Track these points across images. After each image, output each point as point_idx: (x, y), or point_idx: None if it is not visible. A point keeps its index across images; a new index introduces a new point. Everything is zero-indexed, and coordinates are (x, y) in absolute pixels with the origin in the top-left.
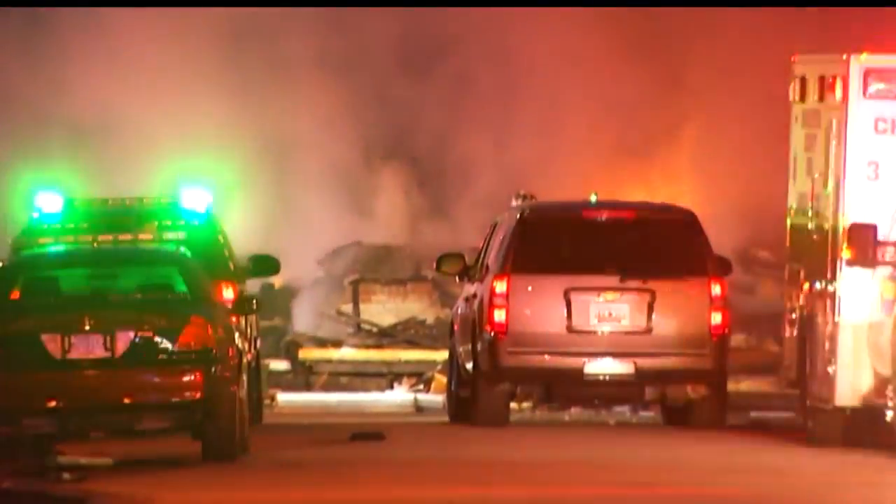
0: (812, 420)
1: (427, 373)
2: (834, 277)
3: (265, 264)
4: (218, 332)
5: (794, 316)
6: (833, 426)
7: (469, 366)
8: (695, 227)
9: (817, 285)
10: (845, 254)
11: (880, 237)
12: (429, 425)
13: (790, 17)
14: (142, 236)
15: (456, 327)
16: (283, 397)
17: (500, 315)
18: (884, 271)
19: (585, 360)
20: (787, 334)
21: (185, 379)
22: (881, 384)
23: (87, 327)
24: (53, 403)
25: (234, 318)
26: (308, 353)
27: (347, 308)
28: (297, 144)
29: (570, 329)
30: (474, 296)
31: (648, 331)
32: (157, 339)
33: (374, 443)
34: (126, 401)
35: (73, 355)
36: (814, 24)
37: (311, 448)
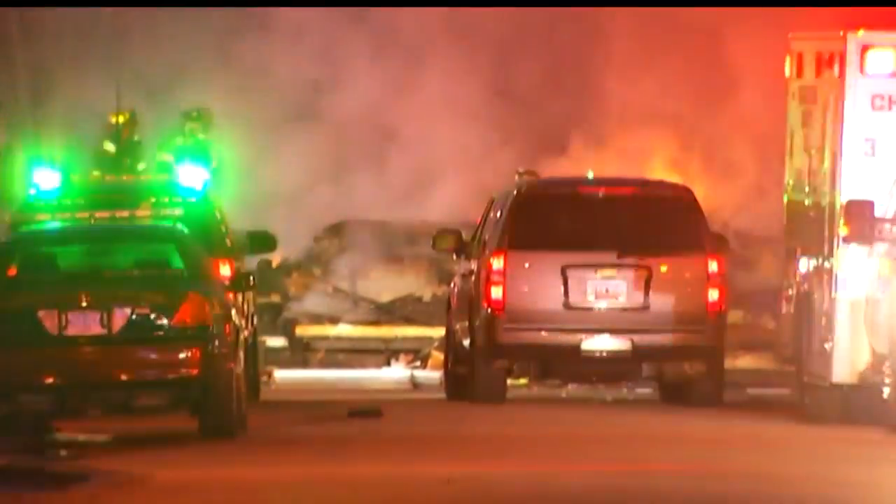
0: (809, 397)
1: (424, 349)
2: (831, 254)
3: (262, 241)
4: (215, 309)
5: (791, 293)
6: (830, 403)
7: (466, 342)
8: (692, 204)
9: (814, 262)
10: (842, 230)
11: (877, 213)
12: (426, 402)
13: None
14: (139, 213)
15: (453, 304)
16: (281, 374)
17: (497, 292)
18: (881, 248)
19: (582, 336)
20: (784, 311)
21: (183, 356)
22: (878, 361)
23: (84, 304)
24: (50, 380)
25: (231, 295)
26: (305, 330)
27: (344, 285)
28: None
29: (567, 306)
30: (471, 272)
31: (645, 307)
32: (154, 315)
33: (372, 419)
34: (123, 377)
35: (70, 332)
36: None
37: (309, 425)
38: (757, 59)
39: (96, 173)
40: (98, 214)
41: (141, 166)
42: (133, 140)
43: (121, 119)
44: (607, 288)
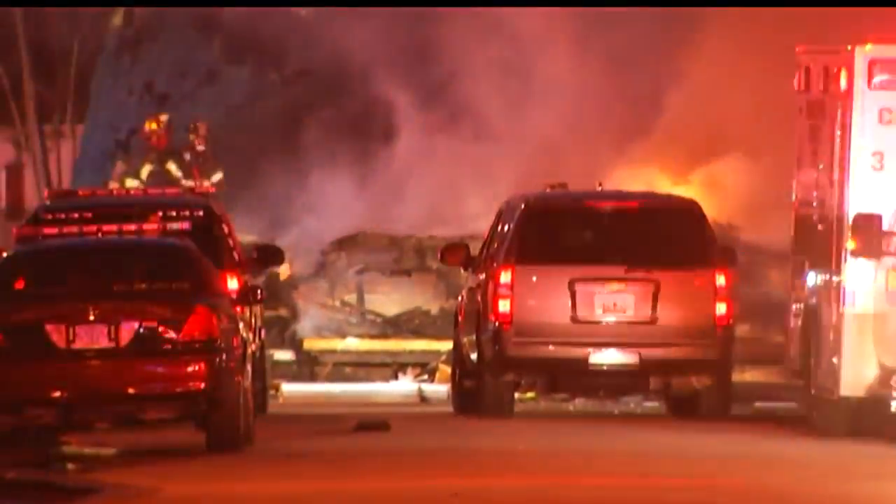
0: (816, 410)
1: (432, 363)
2: (839, 268)
3: (270, 254)
4: (222, 323)
5: (799, 306)
6: (838, 416)
7: (474, 356)
8: (699, 217)
9: (822, 276)
10: (850, 244)
11: (885, 227)
12: (433, 415)
13: (794, 12)
14: (146, 227)
15: (461, 318)
16: (288, 387)
17: (504, 305)
18: (889, 261)
19: (590, 350)
20: (792, 325)
21: (190, 369)
22: (886, 374)
23: (92, 317)
24: (58, 394)
25: (238, 309)
26: (312, 344)
27: (352, 298)
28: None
29: (574, 319)
30: (479, 286)
31: (653, 321)
32: (162, 329)
33: (379, 433)
34: (130, 391)
35: (78, 345)
36: (817, 18)
37: (316, 438)
38: (771, 69)
39: (134, 182)
40: (105, 228)
41: (177, 172)
42: (170, 148)
43: (155, 126)
44: (615, 302)
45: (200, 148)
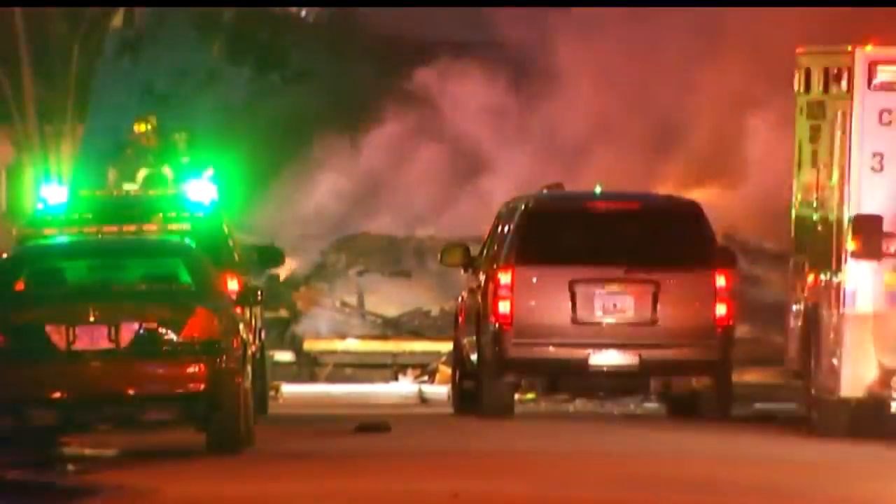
0: (816, 411)
1: (432, 364)
2: (839, 269)
3: (270, 255)
4: (223, 324)
5: (799, 307)
6: (838, 417)
7: (474, 357)
8: (699, 219)
9: (822, 277)
10: (850, 245)
11: (885, 228)
12: (434, 417)
13: (795, 13)
14: (147, 227)
15: (461, 319)
16: (288, 389)
17: (504, 307)
18: (889, 262)
19: (590, 351)
20: (792, 325)
21: (190, 370)
22: (886, 375)
23: (92, 318)
24: (58, 395)
25: (238, 310)
26: (313, 345)
27: (352, 299)
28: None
29: (574, 320)
30: (479, 287)
31: (653, 322)
32: (162, 330)
33: (380, 434)
34: (130, 392)
35: (78, 346)
36: (819, 19)
37: (316, 440)
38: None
39: (132, 186)
40: (106, 229)
41: (171, 177)
42: (163, 150)
43: (147, 127)
44: (615, 303)
45: (185, 159)
